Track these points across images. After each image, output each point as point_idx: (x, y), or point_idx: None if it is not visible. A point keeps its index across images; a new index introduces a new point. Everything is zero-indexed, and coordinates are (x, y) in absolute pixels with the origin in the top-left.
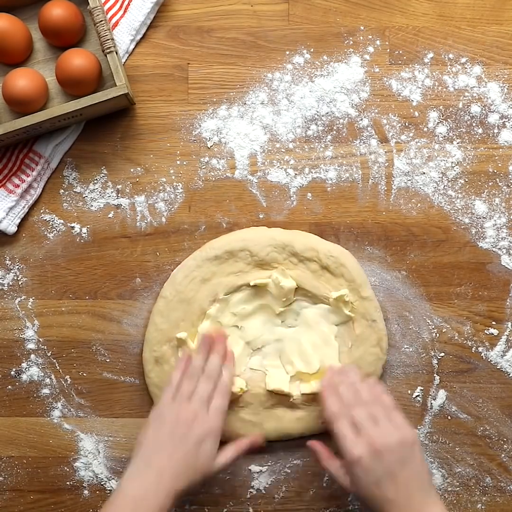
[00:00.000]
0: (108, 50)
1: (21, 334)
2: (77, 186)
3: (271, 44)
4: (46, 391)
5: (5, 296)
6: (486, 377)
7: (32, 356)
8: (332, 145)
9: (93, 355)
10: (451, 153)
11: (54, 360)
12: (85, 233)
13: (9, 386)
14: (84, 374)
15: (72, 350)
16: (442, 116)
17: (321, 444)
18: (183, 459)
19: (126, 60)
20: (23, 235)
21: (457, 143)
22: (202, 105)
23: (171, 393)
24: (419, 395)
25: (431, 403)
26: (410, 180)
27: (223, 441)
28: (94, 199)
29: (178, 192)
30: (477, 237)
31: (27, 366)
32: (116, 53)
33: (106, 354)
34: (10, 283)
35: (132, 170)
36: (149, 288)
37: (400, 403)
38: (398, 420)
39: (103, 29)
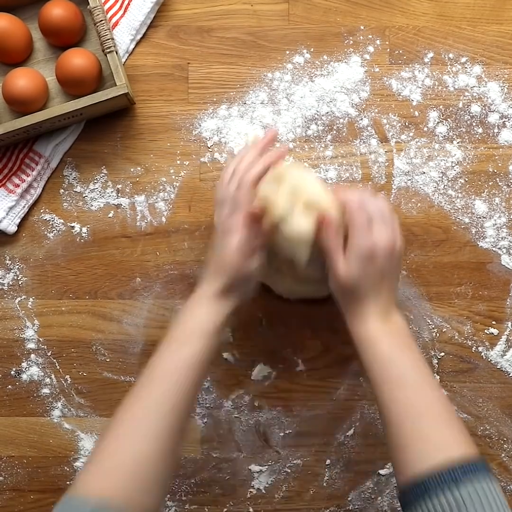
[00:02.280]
0: (108, 50)
1: (21, 334)
2: (77, 185)
3: (271, 44)
4: (46, 390)
5: (5, 295)
6: (486, 377)
7: (32, 355)
8: (332, 144)
9: (93, 355)
10: (451, 153)
11: (54, 360)
12: (85, 233)
13: (9, 386)
14: (84, 374)
15: (72, 349)
16: (442, 116)
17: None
18: (211, 261)
19: (126, 59)
20: (23, 234)
21: (457, 142)
22: (202, 105)
23: (225, 181)
24: None
25: None
26: (410, 179)
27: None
28: (94, 199)
29: (178, 192)
30: (477, 236)
31: (27, 366)
32: (116, 52)
33: (106, 353)
34: (10, 282)
35: (132, 169)
36: (149, 287)
37: None
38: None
39: (103, 28)
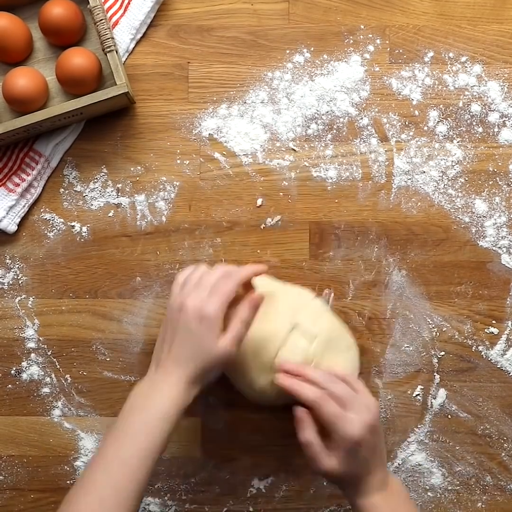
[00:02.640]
0: (108, 49)
1: (21, 333)
2: (77, 185)
3: (271, 43)
4: (46, 390)
5: (5, 295)
6: (486, 376)
7: (32, 355)
8: (332, 144)
9: (93, 354)
10: (451, 152)
11: (54, 359)
12: (85, 232)
13: (10, 385)
14: (85, 373)
15: (72, 349)
16: (442, 115)
17: (309, 415)
18: (183, 345)
19: (126, 59)
20: (23, 234)
21: (457, 142)
22: (202, 104)
23: (178, 287)
24: (419, 394)
25: (432, 402)
26: (410, 179)
27: None
28: (94, 198)
29: (178, 191)
30: (477, 236)
31: (28, 365)
32: (116, 52)
33: (106, 353)
34: (10, 282)
35: (132, 169)
36: (149, 287)
37: (400, 402)
38: (367, 391)
39: (103, 28)
